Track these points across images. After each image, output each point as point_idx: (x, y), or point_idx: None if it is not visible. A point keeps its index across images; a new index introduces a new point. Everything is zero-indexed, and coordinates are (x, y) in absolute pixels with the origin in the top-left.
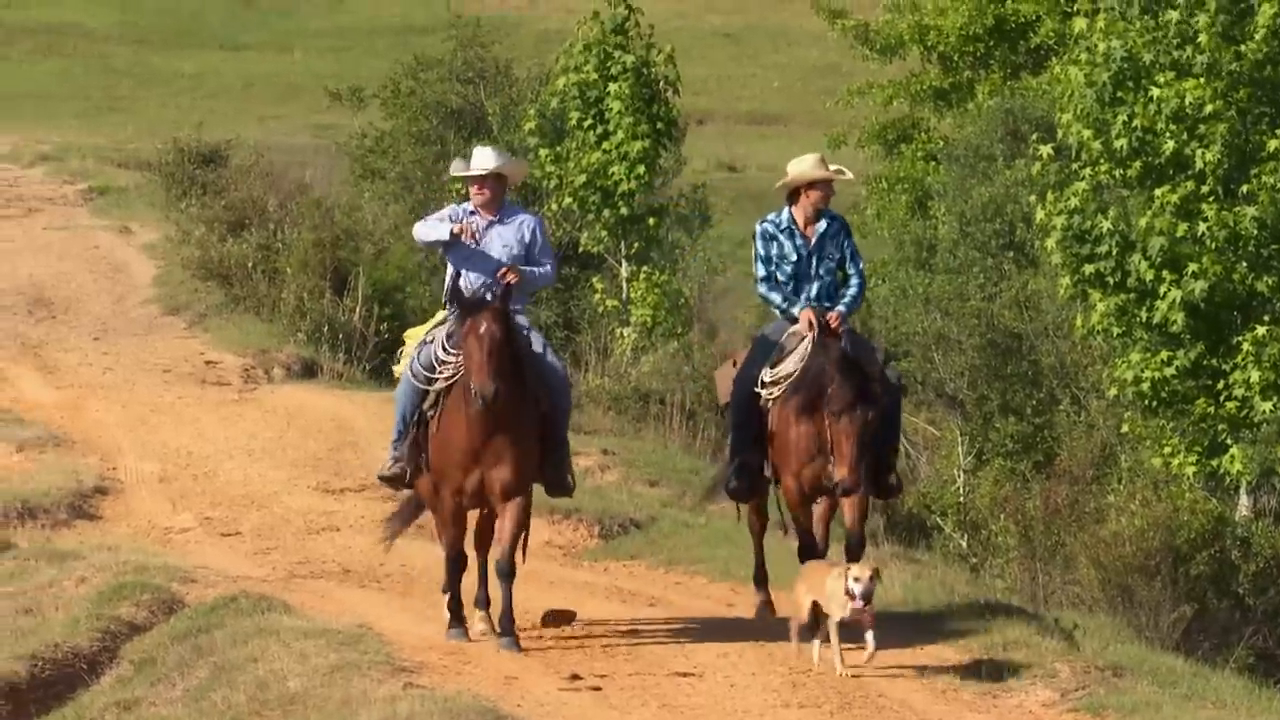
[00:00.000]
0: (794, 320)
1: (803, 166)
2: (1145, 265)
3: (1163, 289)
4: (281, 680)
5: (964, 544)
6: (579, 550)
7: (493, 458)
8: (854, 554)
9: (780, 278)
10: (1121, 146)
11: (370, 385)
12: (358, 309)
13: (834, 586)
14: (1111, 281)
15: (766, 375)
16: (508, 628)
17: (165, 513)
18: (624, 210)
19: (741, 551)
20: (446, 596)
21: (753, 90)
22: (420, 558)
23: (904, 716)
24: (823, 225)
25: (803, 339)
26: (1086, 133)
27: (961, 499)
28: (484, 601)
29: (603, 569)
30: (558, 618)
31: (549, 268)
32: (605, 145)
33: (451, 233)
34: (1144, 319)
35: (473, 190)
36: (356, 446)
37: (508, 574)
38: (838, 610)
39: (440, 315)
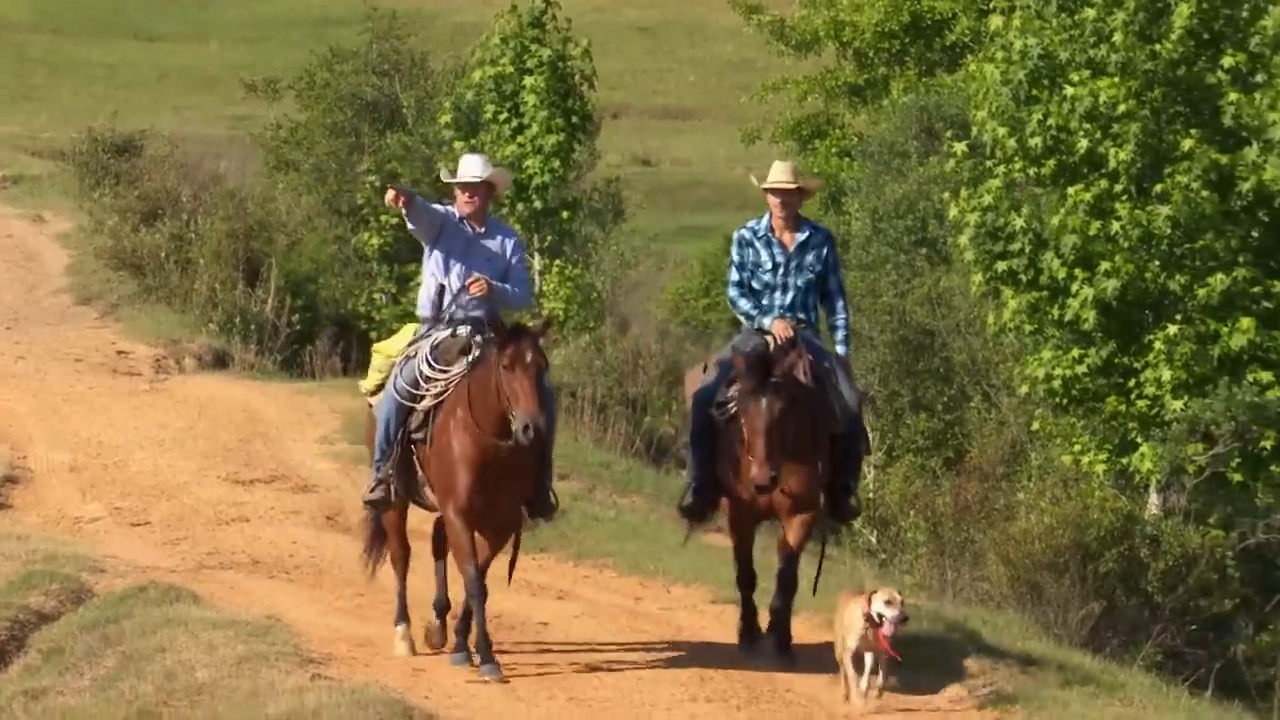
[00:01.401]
0: (763, 331)
1: (771, 173)
2: (1058, 263)
3: (1075, 287)
4: (189, 671)
5: (873, 540)
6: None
7: (505, 480)
8: (785, 578)
9: (755, 286)
10: (1036, 144)
11: (282, 376)
12: (270, 300)
13: (851, 614)
14: (1024, 279)
15: (721, 394)
16: (485, 653)
17: (75, 502)
18: (538, 204)
19: (651, 545)
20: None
21: (668, 85)
22: (330, 550)
23: (811, 712)
24: (803, 234)
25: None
26: (1001, 130)
27: (871, 495)
28: (444, 606)
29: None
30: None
31: (524, 287)
32: (520, 139)
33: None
34: (1056, 317)
35: (462, 199)
36: (267, 437)
37: (482, 595)
38: (853, 640)
39: (411, 328)
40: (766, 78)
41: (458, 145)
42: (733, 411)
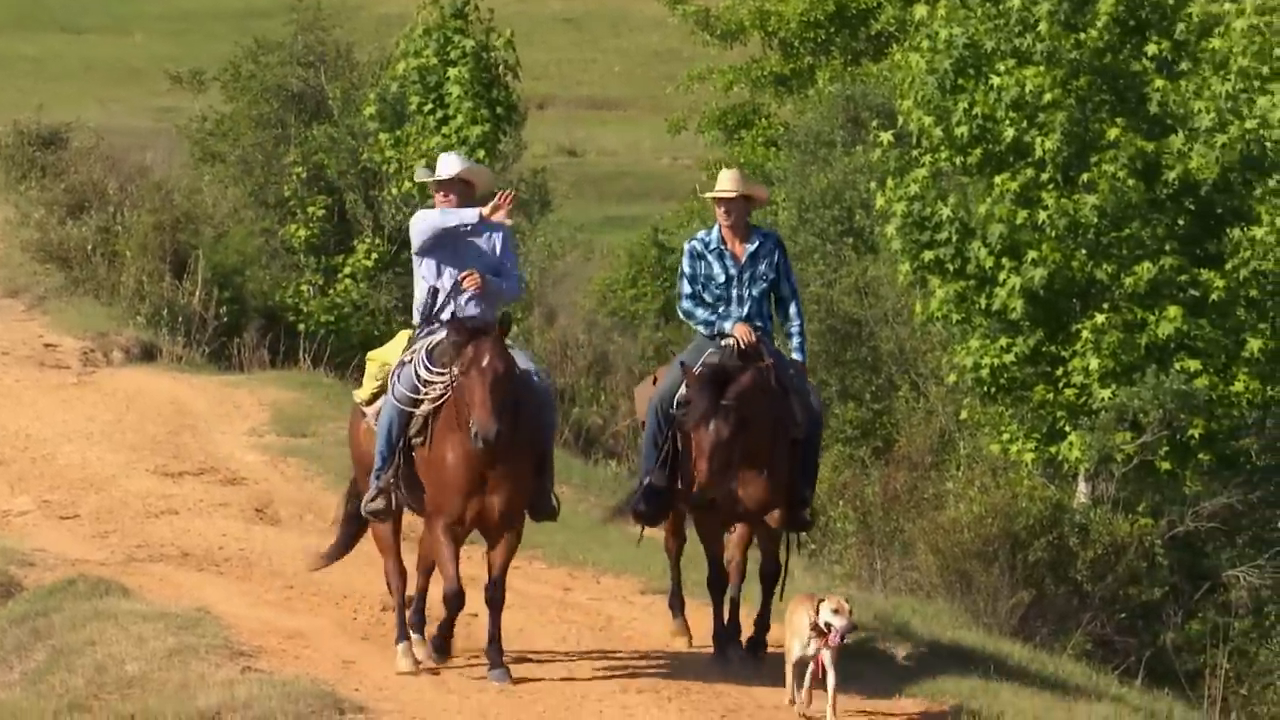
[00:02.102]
0: (722, 336)
1: (718, 182)
2: (985, 252)
3: (1002, 276)
4: (120, 664)
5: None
6: (417, 534)
7: (494, 485)
8: (767, 583)
9: (707, 298)
10: (962, 134)
11: (210, 369)
12: (197, 292)
13: (797, 620)
14: (951, 268)
15: (681, 395)
16: (496, 659)
17: (3, 495)
18: None
19: (580, 536)
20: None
21: (593, 75)
22: (259, 542)
23: (742, 703)
24: (753, 244)
25: (726, 352)
26: (927, 119)
27: None
28: (421, 625)
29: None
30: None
31: (514, 281)
32: (445, 130)
33: (481, 214)
34: (983, 306)
35: (437, 198)
36: (195, 430)
37: (499, 603)
38: (798, 647)
39: (404, 334)
40: (692, 68)
41: (383, 137)
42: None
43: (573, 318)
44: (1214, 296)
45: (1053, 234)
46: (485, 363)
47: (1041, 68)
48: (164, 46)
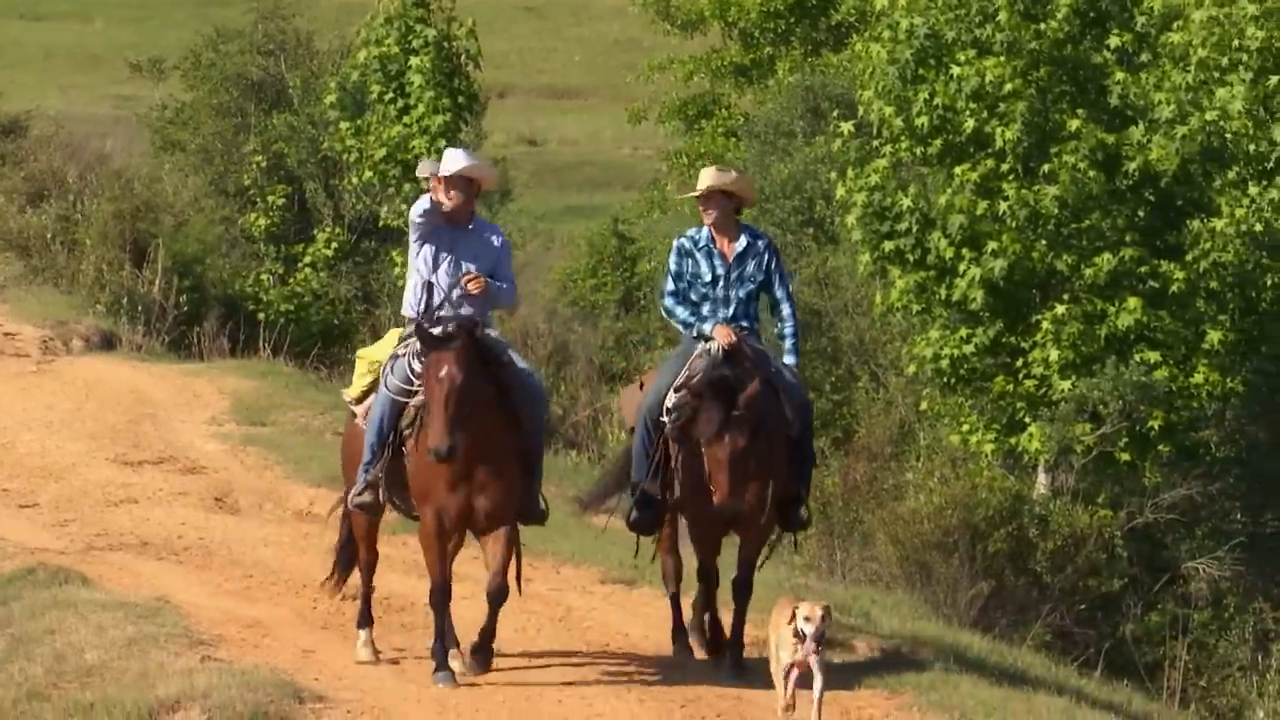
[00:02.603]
0: (704, 338)
1: (699, 180)
2: (945, 243)
3: (962, 267)
4: (79, 653)
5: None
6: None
7: (477, 482)
8: (740, 590)
9: (693, 296)
10: (922, 124)
11: (169, 357)
12: (157, 281)
13: (782, 628)
14: (911, 259)
15: (670, 400)
16: (483, 648)
17: None
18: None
19: (536, 528)
20: (433, 642)
21: (554, 64)
22: (218, 531)
23: (700, 693)
24: (743, 242)
25: (709, 357)
26: (888, 110)
27: None
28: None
29: (401, 542)
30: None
31: (511, 285)
32: (406, 119)
33: (432, 200)
34: (943, 296)
35: (439, 194)
36: (155, 419)
37: (499, 601)
38: (786, 654)
39: (395, 333)
40: (652, 57)
41: (343, 126)
42: (682, 421)
43: (533, 307)
44: (1174, 288)
45: (1013, 225)
46: (442, 373)
47: (1002, 58)
48: (124, 33)
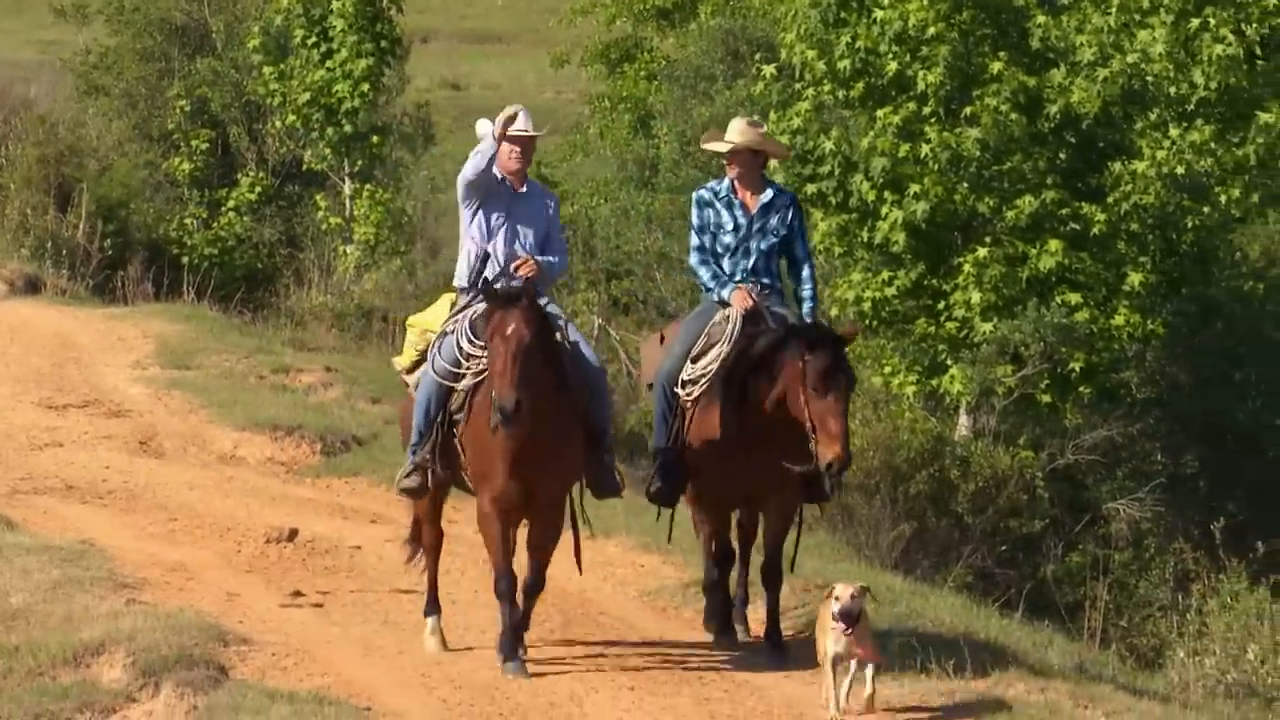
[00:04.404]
0: (723, 303)
1: (728, 132)
2: (867, 186)
3: (884, 209)
4: (4, 596)
5: None
6: (301, 467)
7: (536, 461)
8: (770, 574)
9: (718, 249)
10: (844, 67)
11: (94, 302)
12: (81, 225)
13: (824, 614)
14: (834, 201)
15: (687, 372)
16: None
17: None
18: (348, 128)
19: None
20: (501, 631)
21: (476, 9)
22: (143, 474)
23: (624, 634)
24: (768, 195)
25: (729, 324)
26: (810, 53)
27: None
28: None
29: (324, 485)
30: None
31: (563, 255)
32: (329, 63)
33: (494, 136)
34: (865, 239)
35: (507, 153)
36: (80, 363)
37: (536, 590)
38: (831, 644)
39: (447, 298)
40: (575, 1)
41: (267, 70)
42: (698, 394)
43: (455, 252)
44: (1095, 230)
45: (935, 168)
46: (509, 330)
47: (925, 1)
48: None
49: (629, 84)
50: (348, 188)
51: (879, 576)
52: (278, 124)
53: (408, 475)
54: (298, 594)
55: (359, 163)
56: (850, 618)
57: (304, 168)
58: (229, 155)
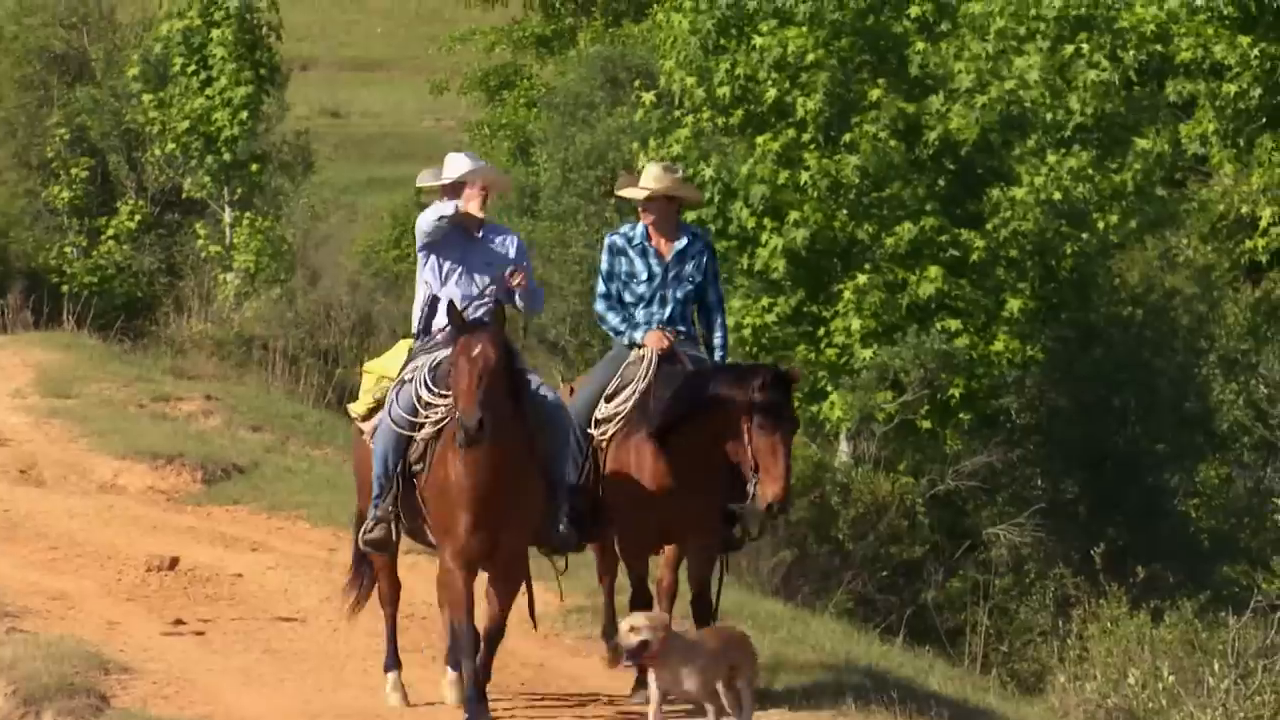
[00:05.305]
0: (634, 345)
1: (643, 178)
2: (747, 213)
3: (764, 236)
4: None
5: None
6: (182, 495)
7: (499, 510)
8: (702, 611)
9: (627, 297)
10: (724, 94)
11: None
12: None
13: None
14: (713, 228)
15: (601, 411)
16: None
17: None
18: (227, 156)
19: (344, 496)
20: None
21: (356, 36)
22: (24, 503)
23: (506, 663)
24: (683, 241)
25: (644, 364)
26: (689, 80)
27: None
28: (458, 664)
29: (205, 513)
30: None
31: (540, 292)
32: (209, 91)
33: (456, 208)
34: (745, 266)
35: (470, 195)
36: None
37: (498, 639)
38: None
39: (404, 344)
40: (454, 29)
41: (146, 98)
42: (613, 432)
43: (336, 279)
44: (974, 256)
45: (814, 194)
46: (475, 351)
47: (804, 28)
48: None
49: (508, 111)
50: (227, 215)
51: (760, 603)
52: (157, 152)
53: (372, 529)
54: (179, 622)
55: (239, 190)
56: (634, 654)
57: (184, 196)
58: (108, 183)
